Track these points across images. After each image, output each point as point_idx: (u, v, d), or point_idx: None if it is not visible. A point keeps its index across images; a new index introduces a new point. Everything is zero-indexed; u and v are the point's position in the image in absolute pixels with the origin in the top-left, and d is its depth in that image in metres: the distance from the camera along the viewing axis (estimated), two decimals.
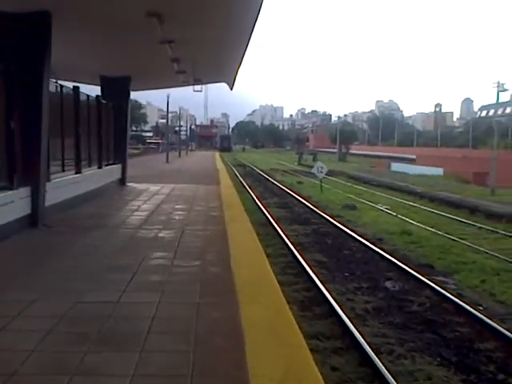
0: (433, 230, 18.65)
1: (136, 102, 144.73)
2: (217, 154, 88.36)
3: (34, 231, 11.71)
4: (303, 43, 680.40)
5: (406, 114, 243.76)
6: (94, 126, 19.20)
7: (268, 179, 41.57)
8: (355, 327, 8.37)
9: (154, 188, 22.81)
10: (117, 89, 22.74)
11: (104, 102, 20.78)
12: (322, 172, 31.63)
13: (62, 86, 15.04)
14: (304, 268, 12.17)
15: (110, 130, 22.18)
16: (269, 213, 21.08)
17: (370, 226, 19.25)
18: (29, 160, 11.79)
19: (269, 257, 12.94)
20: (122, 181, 23.56)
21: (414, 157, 71.46)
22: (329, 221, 19.85)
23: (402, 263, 13.06)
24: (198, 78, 20.95)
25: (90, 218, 13.80)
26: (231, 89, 29.96)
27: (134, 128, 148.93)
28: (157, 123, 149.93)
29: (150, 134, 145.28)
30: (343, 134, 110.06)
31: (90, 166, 18.31)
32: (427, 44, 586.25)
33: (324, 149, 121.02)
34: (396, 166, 59.35)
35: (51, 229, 12.07)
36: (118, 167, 22.98)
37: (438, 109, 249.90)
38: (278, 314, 6.45)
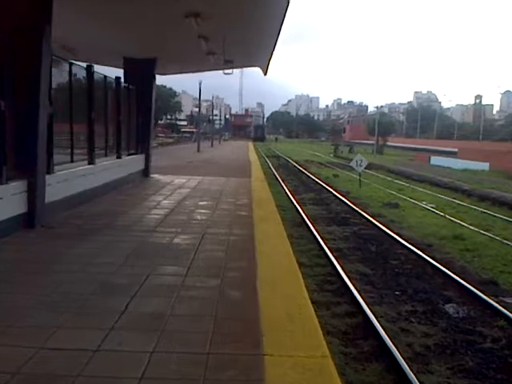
0: (489, 234, 16.45)
1: (171, 89, 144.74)
2: (250, 143, 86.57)
3: (29, 234, 9.95)
4: (340, 33, 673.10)
5: (445, 105, 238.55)
6: (112, 111, 17.44)
7: (302, 172, 39.54)
8: (416, 376, 6.39)
9: (179, 181, 21.04)
10: (141, 72, 21.01)
11: (125, 84, 19.01)
12: (361, 165, 29.48)
13: (71, 64, 13.25)
14: (345, 283, 10.19)
15: (132, 116, 20.43)
16: (303, 211, 19.11)
17: (416, 229, 17.13)
18: (23, 148, 10.04)
19: (303, 266, 11.15)
20: (145, 172, 21.80)
21: (456, 150, 68.43)
22: (370, 221, 17.79)
23: (461, 278, 10.99)
24: (228, 59, 19.01)
25: (99, 217, 12.03)
26: (265, 74, 27.95)
27: (168, 116, 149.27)
28: (191, 112, 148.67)
29: (185, 123, 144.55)
30: (381, 125, 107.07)
31: (106, 156, 16.57)
32: (468, 34, 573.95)
33: (360, 140, 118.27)
34: (436, 160, 56.52)
35: (50, 230, 10.32)
36: (140, 157, 21.23)
37: (478, 101, 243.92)
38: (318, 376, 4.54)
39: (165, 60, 21.72)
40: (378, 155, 75.94)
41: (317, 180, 32.26)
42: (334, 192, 25.99)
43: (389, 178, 36.51)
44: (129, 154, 20.37)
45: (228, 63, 19.63)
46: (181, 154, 47.76)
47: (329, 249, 12.96)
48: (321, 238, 14.36)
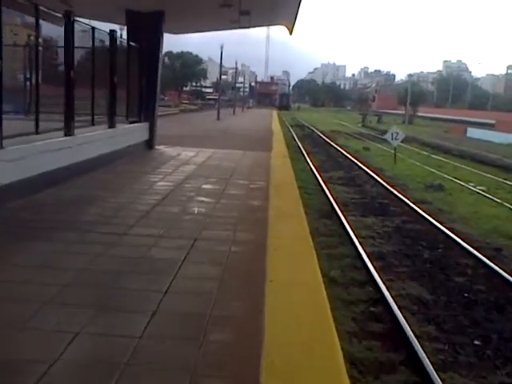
0: None
1: (197, 56, 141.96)
2: (274, 112, 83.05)
3: None
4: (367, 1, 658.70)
5: (475, 75, 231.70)
6: (102, 70, 14.34)
7: (329, 144, 36.22)
8: None
9: (186, 154, 18.00)
10: (146, 28, 17.86)
11: (122, 39, 15.87)
12: (396, 139, 26.10)
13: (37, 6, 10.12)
14: (397, 321, 7.02)
15: (133, 78, 17.31)
16: (332, 194, 15.99)
17: (472, 222, 13.92)
18: None
19: (334, 284, 8.10)
20: (149, 143, 18.75)
21: (493, 122, 64.19)
22: (414, 210, 14.59)
23: None
24: (244, 10, 15.79)
25: (64, 207, 9.05)
26: (291, 33, 24.62)
27: (193, 83, 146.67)
28: (217, 79, 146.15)
29: (211, 90, 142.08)
30: (411, 94, 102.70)
31: (93, 125, 13.53)
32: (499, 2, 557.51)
33: (388, 110, 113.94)
34: (474, 132, 52.49)
35: None
36: (143, 126, 18.16)
37: (510, 70, 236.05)
38: None
39: (174, 15, 18.54)
40: (410, 126, 72.05)
41: (345, 154, 28.97)
42: (365, 169, 22.76)
43: (424, 153, 33.05)
44: (130, 123, 17.40)
45: (244, 15, 16.36)
46: (199, 121, 44.80)
47: (368, 255, 9.81)
48: (355, 236, 11.23)
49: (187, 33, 25.52)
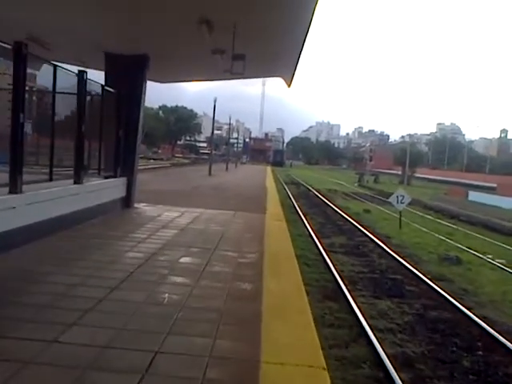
0: None
1: (191, 111, 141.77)
2: (269, 168, 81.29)
3: None
4: (362, 61, 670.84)
5: (469, 138, 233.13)
6: (66, 117, 12.20)
7: (327, 204, 33.99)
8: None
9: (169, 214, 15.73)
10: (127, 72, 15.87)
11: (93, 81, 13.75)
12: (402, 202, 23.91)
13: None
14: None
15: (108, 128, 15.21)
16: (335, 267, 13.65)
17: (504, 306, 11.61)
18: None
19: None
20: (127, 201, 16.46)
21: (493, 185, 62.36)
22: (434, 290, 12.26)
23: None
24: (239, 54, 13.78)
25: None
26: (289, 86, 22.65)
27: (188, 138, 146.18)
28: (212, 135, 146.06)
29: (205, 145, 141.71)
30: (410, 155, 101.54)
31: (50, 181, 11.24)
32: (493, 67, 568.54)
33: (384, 170, 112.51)
34: (476, 196, 50.44)
35: None
36: (119, 182, 15.90)
37: (503, 134, 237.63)
38: None
39: (160, 60, 16.61)
40: (408, 187, 70.16)
41: (345, 216, 26.71)
42: (369, 235, 20.49)
43: (429, 217, 30.87)
44: (105, 177, 15.23)
45: (238, 60, 14.33)
46: (190, 176, 42.73)
47: (391, 361, 7.40)
48: (371, 328, 8.84)
49: (175, 81, 23.47)
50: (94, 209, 13.45)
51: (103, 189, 14.60)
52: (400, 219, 23.90)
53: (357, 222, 24.23)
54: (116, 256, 9.45)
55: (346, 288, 11.60)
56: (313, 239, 18.32)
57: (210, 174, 44.38)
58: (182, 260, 9.50)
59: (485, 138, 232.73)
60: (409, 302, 11.28)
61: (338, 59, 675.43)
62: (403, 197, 23.91)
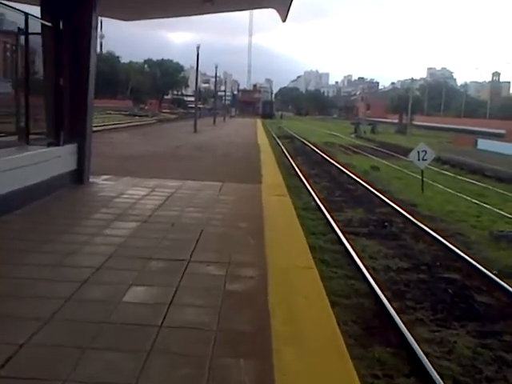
0: None
1: (177, 64, 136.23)
2: (259, 121, 76.83)
3: None
4: (349, 8, 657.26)
5: (460, 82, 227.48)
6: None
7: (328, 161, 29.83)
8: None
9: (133, 193, 11.72)
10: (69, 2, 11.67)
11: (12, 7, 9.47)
12: (424, 159, 19.77)
13: None
14: None
15: (42, 76, 11.03)
16: (367, 268, 9.58)
17: None
18: None
19: None
20: (78, 176, 12.32)
21: (502, 131, 58.17)
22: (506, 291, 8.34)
23: None
24: None
25: None
26: (284, 20, 18.37)
27: (175, 92, 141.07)
28: (199, 88, 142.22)
29: (192, 99, 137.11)
30: (403, 102, 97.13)
31: None
32: (483, 11, 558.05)
33: (377, 118, 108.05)
34: (486, 144, 46.15)
35: None
36: (63, 151, 11.72)
37: (496, 78, 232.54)
38: None
39: None
40: (404, 136, 66.05)
41: (354, 177, 22.64)
42: (390, 203, 16.49)
43: (446, 173, 26.79)
44: (48, 145, 11.21)
45: None
46: (174, 133, 38.58)
47: None
48: None
49: (141, 18, 18.88)
50: (23, 192, 9.35)
51: (38, 163, 10.42)
52: (422, 181, 19.80)
53: (368, 185, 20.19)
54: (15, 288, 5.41)
55: (392, 307, 7.63)
56: (323, 214, 14.30)
57: (195, 130, 40.06)
58: (129, 296, 5.48)
59: (476, 82, 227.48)
60: (492, 330, 7.31)
61: (323, 8, 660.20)
62: (425, 152, 19.75)
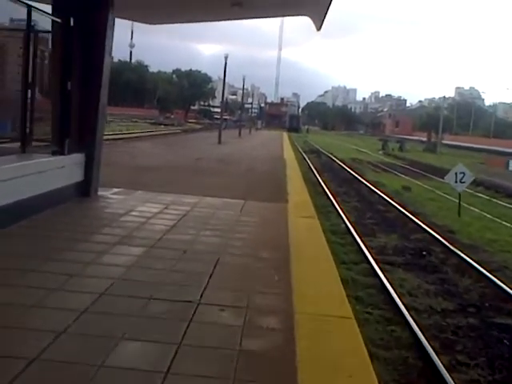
0: None
1: (206, 75, 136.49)
2: (285, 134, 75.56)
3: None
4: (379, 26, 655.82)
5: (488, 102, 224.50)
6: None
7: (357, 179, 28.45)
8: None
9: (145, 210, 10.53)
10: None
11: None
12: (462, 182, 18.36)
13: None
14: None
15: (49, 80, 9.92)
16: (408, 310, 8.23)
17: None
18: None
19: None
20: (85, 188, 11.15)
21: None
22: None
23: None
24: None
25: None
26: (318, 29, 17.11)
27: (202, 103, 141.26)
28: (226, 99, 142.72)
29: (219, 110, 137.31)
30: (433, 120, 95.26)
31: None
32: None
33: (404, 136, 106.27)
34: None
35: None
36: (68, 161, 10.55)
37: None
38: None
39: None
40: (433, 154, 64.39)
41: (385, 197, 21.25)
42: (426, 228, 15.10)
43: (480, 195, 25.32)
44: (53, 153, 10.10)
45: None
46: (198, 144, 37.55)
47: None
48: None
49: (166, 22, 17.76)
50: (14, 206, 8.18)
51: (39, 173, 9.27)
52: (459, 204, 18.36)
53: (401, 207, 18.80)
54: None
55: (441, 363, 6.29)
56: (354, 238, 12.98)
57: (219, 141, 38.92)
58: (116, 357, 4.21)
59: (504, 103, 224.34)
60: None
61: (354, 22, 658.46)
62: (463, 174, 18.35)
